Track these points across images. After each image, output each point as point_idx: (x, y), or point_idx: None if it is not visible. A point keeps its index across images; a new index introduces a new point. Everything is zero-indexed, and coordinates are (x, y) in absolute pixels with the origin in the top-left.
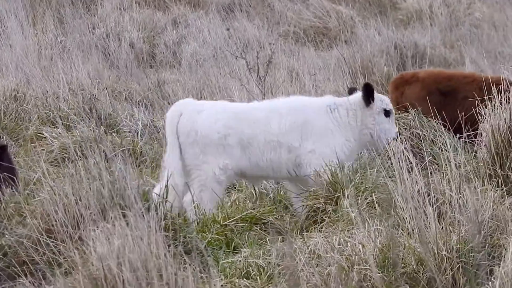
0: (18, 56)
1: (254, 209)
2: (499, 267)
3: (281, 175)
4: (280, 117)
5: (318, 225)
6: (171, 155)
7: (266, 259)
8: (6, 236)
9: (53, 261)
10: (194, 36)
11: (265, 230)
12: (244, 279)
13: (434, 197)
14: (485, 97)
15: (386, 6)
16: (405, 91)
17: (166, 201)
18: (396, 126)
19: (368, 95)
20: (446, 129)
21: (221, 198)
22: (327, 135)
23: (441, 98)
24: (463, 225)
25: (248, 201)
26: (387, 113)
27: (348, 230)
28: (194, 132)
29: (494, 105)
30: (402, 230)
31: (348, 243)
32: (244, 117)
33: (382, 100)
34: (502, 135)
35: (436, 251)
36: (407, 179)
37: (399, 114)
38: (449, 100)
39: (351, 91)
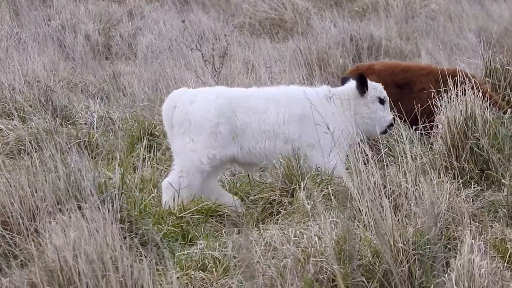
0: None
1: (210, 201)
2: (455, 259)
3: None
4: (278, 108)
5: (274, 217)
6: (172, 146)
7: (222, 251)
8: None
9: (9, 253)
10: (150, 28)
11: (221, 222)
12: (200, 271)
13: (390, 189)
14: (441, 89)
15: None
16: None
17: (122, 193)
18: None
19: (362, 85)
20: (402, 121)
21: (199, 188)
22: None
23: (397, 90)
24: (419, 217)
25: None
26: (381, 101)
27: (304, 222)
28: (188, 122)
29: (450, 97)
30: (358, 222)
31: (304, 235)
32: (239, 103)
33: (376, 88)
34: (458, 127)
35: (392, 243)
36: (363, 171)
37: None
38: (405, 92)
39: (344, 80)
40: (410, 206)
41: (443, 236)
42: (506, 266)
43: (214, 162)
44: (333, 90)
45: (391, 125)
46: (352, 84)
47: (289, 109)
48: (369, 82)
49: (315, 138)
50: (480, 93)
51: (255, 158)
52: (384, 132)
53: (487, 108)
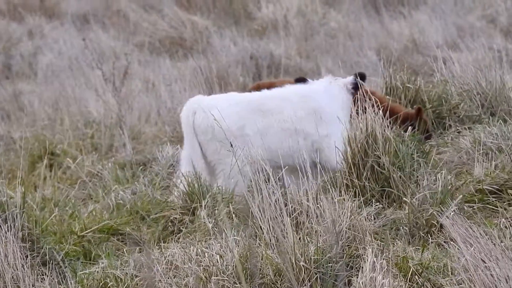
0: None
1: (111, 219)
2: (357, 277)
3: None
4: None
5: (176, 236)
6: (193, 154)
7: (123, 270)
8: None
9: None
10: (50, 47)
11: (122, 241)
12: None
13: (291, 207)
14: None
15: (241, 16)
16: None
17: (23, 212)
18: None
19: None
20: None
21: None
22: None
23: None
24: (320, 235)
25: (105, 212)
26: None
27: (205, 241)
28: (211, 129)
29: (351, 115)
30: (260, 240)
31: (206, 254)
32: (257, 107)
33: None
34: (359, 145)
35: (294, 261)
36: (264, 189)
37: None
38: None
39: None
40: (312, 224)
41: (345, 254)
42: (408, 284)
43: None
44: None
45: None
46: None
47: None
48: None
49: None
50: (381, 110)
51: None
52: None
53: (388, 125)
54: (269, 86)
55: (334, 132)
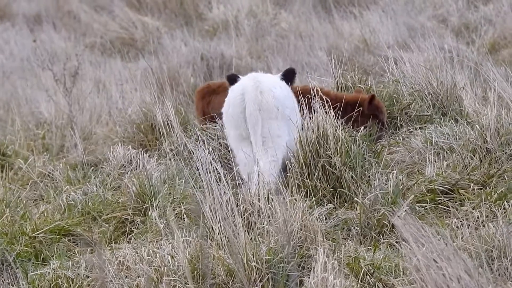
0: None
1: (62, 220)
2: (309, 277)
3: None
4: None
5: (127, 237)
6: (257, 129)
7: (75, 270)
8: None
9: None
10: (1, 48)
11: (73, 242)
12: None
13: (243, 207)
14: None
15: (192, 17)
16: (211, 100)
17: None
18: None
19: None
20: None
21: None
22: None
23: None
24: (272, 235)
25: (57, 213)
26: None
27: (157, 241)
28: (276, 108)
29: (302, 115)
30: (212, 240)
31: (157, 254)
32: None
33: None
34: (310, 145)
35: (245, 262)
36: (215, 190)
37: (206, 124)
38: None
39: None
40: (263, 224)
41: (297, 255)
42: (360, 284)
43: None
44: None
45: None
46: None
47: None
48: None
49: None
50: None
51: None
52: None
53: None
54: (220, 86)
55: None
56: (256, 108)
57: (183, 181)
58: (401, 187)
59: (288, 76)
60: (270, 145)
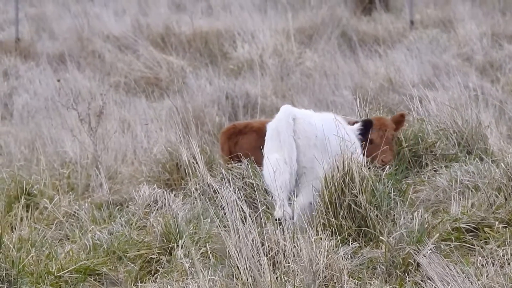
0: None
1: (88, 260)
2: None
3: None
4: None
5: (153, 276)
6: (292, 155)
7: None
8: None
9: None
10: (25, 88)
11: (99, 281)
12: None
13: (268, 246)
14: None
15: (217, 56)
16: (238, 141)
17: (0, 253)
18: None
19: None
20: None
21: None
22: None
23: None
24: (297, 274)
25: (82, 252)
26: None
27: (182, 281)
28: (314, 136)
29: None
30: (237, 280)
31: None
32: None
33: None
34: (336, 184)
35: None
36: (241, 229)
37: (231, 164)
38: None
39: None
40: (289, 263)
41: None
42: None
43: None
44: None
45: None
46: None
47: None
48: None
49: None
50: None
51: None
52: None
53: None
54: (246, 126)
55: None
56: (289, 135)
57: (209, 220)
58: (426, 225)
59: (366, 127)
60: (309, 178)
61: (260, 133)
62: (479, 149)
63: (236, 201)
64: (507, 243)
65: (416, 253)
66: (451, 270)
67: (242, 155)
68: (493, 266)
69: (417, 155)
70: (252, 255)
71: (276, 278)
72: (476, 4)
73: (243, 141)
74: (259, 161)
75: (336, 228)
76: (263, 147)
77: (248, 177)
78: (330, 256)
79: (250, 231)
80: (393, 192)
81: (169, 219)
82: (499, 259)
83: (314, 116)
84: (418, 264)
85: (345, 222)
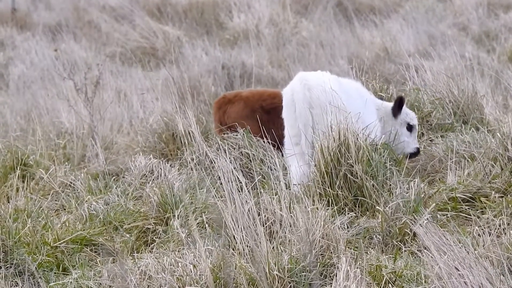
0: None
1: (84, 230)
2: (331, 286)
3: None
4: None
5: (149, 246)
6: (305, 129)
7: (97, 280)
8: None
9: None
10: (22, 58)
11: (95, 252)
12: None
13: (264, 216)
14: None
15: (212, 26)
16: (227, 110)
17: None
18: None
19: (398, 108)
20: (276, 148)
21: None
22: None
23: (265, 116)
24: (294, 244)
25: (78, 223)
26: (409, 127)
27: (178, 251)
28: (327, 103)
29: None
30: (233, 250)
31: (179, 264)
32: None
33: (408, 114)
34: (332, 154)
35: (267, 270)
36: (237, 199)
37: (226, 134)
38: (272, 117)
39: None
40: (285, 233)
41: (319, 263)
42: None
43: None
44: (378, 102)
45: (414, 153)
46: (390, 104)
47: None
48: (404, 107)
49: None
50: None
51: None
52: (406, 157)
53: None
54: (236, 95)
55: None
56: (305, 106)
57: (205, 190)
58: (423, 195)
59: (400, 104)
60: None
61: (248, 102)
62: (475, 118)
63: (232, 171)
64: (503, 212)
65: (413, 223)
66: (447, 240)
67: (230, 124)
68: (489, 236)
69: None
70: (249, 225)
71: (273, 248)
72: None
73: (231, 110)
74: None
75: (332, 198)
76: (250, 116)
77: (244, 147)
78: (326, 226)
79: (246, 201)
80: (389, 162)
81: (165, 189)
82: (495, 228)
83: (333, 81)
84: (414, 234)
85: (341, 192)
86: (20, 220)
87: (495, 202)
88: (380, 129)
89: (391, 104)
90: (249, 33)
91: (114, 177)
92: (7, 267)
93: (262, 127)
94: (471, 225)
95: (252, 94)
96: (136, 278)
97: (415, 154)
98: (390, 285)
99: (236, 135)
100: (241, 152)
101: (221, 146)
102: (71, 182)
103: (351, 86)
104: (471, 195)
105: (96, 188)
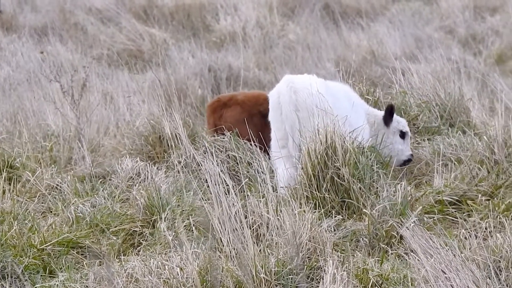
0: None
1: (70, 233)
2: None
3: None
4: None
5: (136, 249)
6: (292, 131)
7: (83, 283)
8: None
9: None
10: (7, 60)
11: (82, 254)
12: None
13: (251, 219)
14: None
15: (199, 28)
16: (223, 114)
17: None
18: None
19: (389, 116)
20: (263, 151)
21: None
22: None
23: (262, 120)
24: (281, 247)
25: (65, 225)
26: (402, 135)
27: (165, 254)
28: (313, 106)
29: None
30: (220, 252)
31: (166, 267)
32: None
33: (399, 122)
34: (319, 157)
35: (254, 273)
36: (224, 202)
37: (215, 137)
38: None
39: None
40: (272, 236)
41: (306, 266)
42: None
43: None
44: (368, 108)
45: (408, 160)
46: (381, 113)
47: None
48: (394, 115)
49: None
50: None
51: None
52: (400, 165)
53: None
54: (231, 99)
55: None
56: (291, 109)
57: (192, 193)
58: (409, 198)
59: (391, 113)
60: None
61: (244, 106)
62: (462, 122)
63: (219, 174)
64: (490, 215)
65: (399, 225)
66: (434, 242)
67: (226, 128)
68: (476, 239)
69: None
70: (236, 228)
71: (260, 250)
72: None
73: (227, 114)
74: (243, 134)
75: (319, 201)
76: (247, 121)
77: (231, 150)
78: (313, 228)
79: (233, 204)
80: (376, 164)
81: (152, 192)
82: (482, 231)
83: (320, 84)
84: (401, 237)
85: (328, 195)
86: (6, 223)
87: (481, 205)
88: (368, 132)
89: (382, 113)
90: (236, 36)
91: (100, 180)
92: None
93: (255, 132)
94: (457, 228)
95: (247, 98)
96: (123, 281)
97: (409, 160)
98: (376, 287)
99: (223, 138)
100: (228, 155)
101: (208, 149)
102: (57, 185)
103: (339, 89)
104: (457, 198)
105: (82, 191)
